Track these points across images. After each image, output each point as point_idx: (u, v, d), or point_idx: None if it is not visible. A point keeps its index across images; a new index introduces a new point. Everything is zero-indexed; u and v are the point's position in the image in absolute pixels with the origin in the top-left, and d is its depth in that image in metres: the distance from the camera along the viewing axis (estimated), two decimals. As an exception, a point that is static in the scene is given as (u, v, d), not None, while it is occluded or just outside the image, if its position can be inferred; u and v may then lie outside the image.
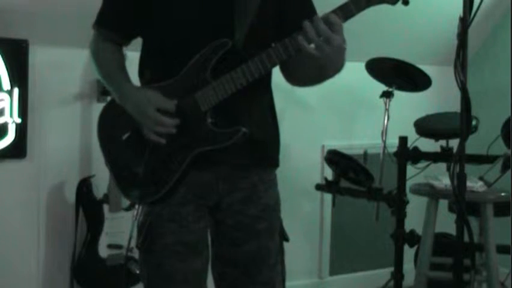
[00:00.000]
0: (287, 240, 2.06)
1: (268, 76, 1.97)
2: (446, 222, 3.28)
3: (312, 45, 1.72)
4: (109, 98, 3.21)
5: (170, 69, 1.88)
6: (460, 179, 2.16)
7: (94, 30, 2.03)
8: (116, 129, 1.97)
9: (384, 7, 1.81)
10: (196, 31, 1.86)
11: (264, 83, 1.96)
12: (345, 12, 1.74)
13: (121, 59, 2.02)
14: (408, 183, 3.39)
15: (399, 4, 1.78)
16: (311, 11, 1.91)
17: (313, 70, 1.87)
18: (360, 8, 1.75)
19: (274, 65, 1.82)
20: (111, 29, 2.00)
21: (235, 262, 1.96)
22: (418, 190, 3.35)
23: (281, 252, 2.04)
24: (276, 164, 2.03)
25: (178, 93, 1.86)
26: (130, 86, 1.94)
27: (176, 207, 1.91)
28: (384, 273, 3.64)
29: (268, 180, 2.00)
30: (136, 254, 3.21)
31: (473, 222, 3.29)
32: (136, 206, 2.09)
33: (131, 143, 1.93)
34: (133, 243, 2.11)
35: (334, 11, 1.74)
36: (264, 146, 1.96)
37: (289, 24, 1.83)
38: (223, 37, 1.83)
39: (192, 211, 1.92)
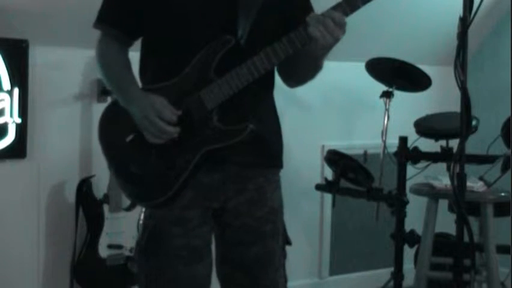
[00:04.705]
0: (290, 243, 2.04)
1: (272, 73, 1.96)
2: (446, 222, 3.28)
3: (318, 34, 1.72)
4: (109, 98, 3.24)
5: (172, 68, 1.85)
6: (460, 179, 2.16)
7: (97, 29, 1.97)
8: (119, 132, 1.90)
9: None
10: (199, 29, 1.85)
11: (268, 81, 1.95)
12: (351, 5, 1.75)
13: (126, 60, 1.97)
14: (408, 183, 3.39)
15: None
16: (312, 9, 1.91)
17: (306, 61, 1.87)
18: (365, 0, 1.75)
19: (279, 60, 1.80)
20: (112, 24, 1.95)
21: (242, 264, 1.95)
22: (418, 190, 3.36)
23: (283, 256, 2.03)
24: (279, 164, 2.02)
25: (182, 92, 1.83)
26: (135, 89, 1.89)
27: (181, 211, 1.88)
28: (384, 273, 3.63)
29: (274, 182, 1.99)
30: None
31: (473, 222, 3.29)
32: (142, 208, 2.05)
33: (135, 145, 1.87)
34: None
35: (340, 4, 1.75)
36: (268, 144, 1.96)
37: (291, 21, 1.83)
38: (226, 34, 1.82)
39: (197, 215, 1.90)
